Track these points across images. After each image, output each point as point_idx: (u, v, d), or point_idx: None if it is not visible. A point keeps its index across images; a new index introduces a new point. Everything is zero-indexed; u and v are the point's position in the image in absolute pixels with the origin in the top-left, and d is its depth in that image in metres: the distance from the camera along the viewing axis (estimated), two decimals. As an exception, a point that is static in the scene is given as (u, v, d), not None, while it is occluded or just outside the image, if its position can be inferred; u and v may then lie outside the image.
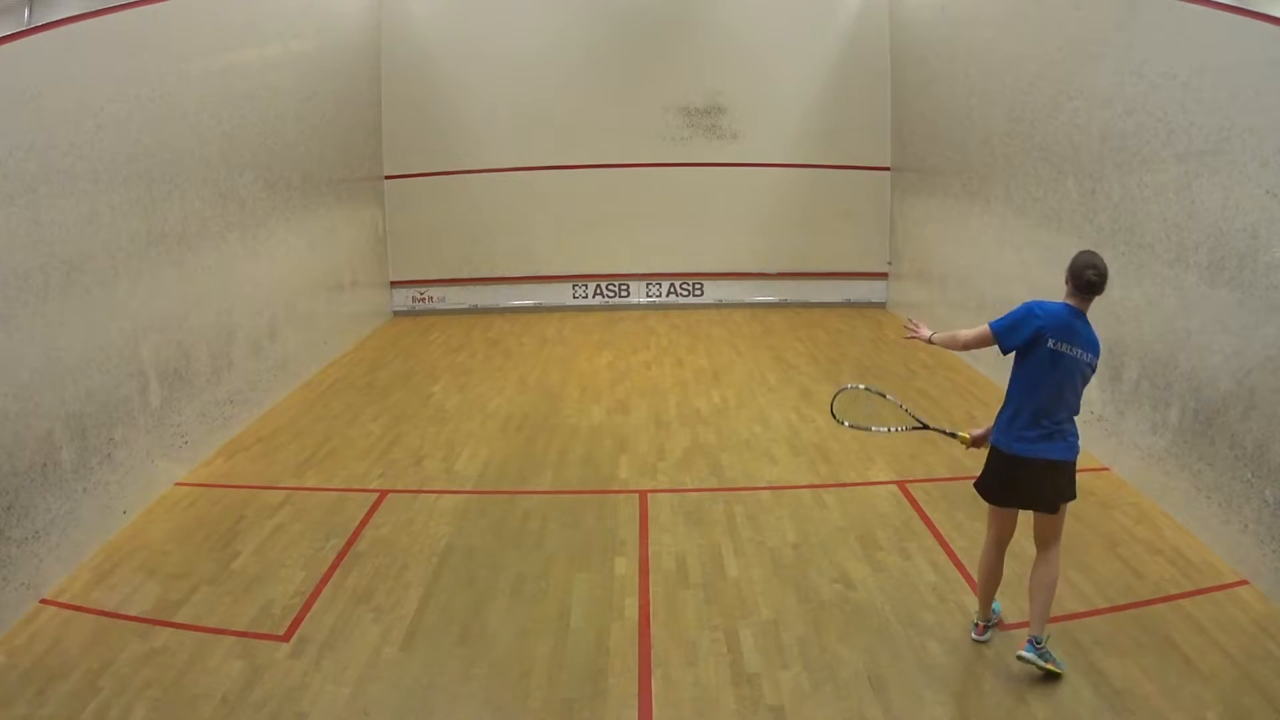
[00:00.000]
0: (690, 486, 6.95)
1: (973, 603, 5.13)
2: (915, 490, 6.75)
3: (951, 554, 5.72)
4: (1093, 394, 7.35)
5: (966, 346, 4.54)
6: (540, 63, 13.16)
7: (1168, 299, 6.30)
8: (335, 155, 11.16)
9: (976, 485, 4.61)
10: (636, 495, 6.78)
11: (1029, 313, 4.32)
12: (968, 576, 5.42)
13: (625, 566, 5.68)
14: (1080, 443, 4.43)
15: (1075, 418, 4.39)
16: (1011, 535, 4.61)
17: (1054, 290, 8.42)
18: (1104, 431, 7.17)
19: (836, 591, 5.32)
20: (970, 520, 6.20)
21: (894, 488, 6.82)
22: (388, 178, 13.29)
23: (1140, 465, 6.59)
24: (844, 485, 6.92)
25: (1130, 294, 6.78)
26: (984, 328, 4.42)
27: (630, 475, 7.21)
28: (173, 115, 7.19)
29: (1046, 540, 4.44)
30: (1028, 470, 4.35)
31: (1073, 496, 4.43)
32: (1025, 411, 4.34)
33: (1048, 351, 4.26)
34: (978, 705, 4.25)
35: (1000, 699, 4.29)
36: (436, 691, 4.45)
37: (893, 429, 5.26)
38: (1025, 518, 4.56)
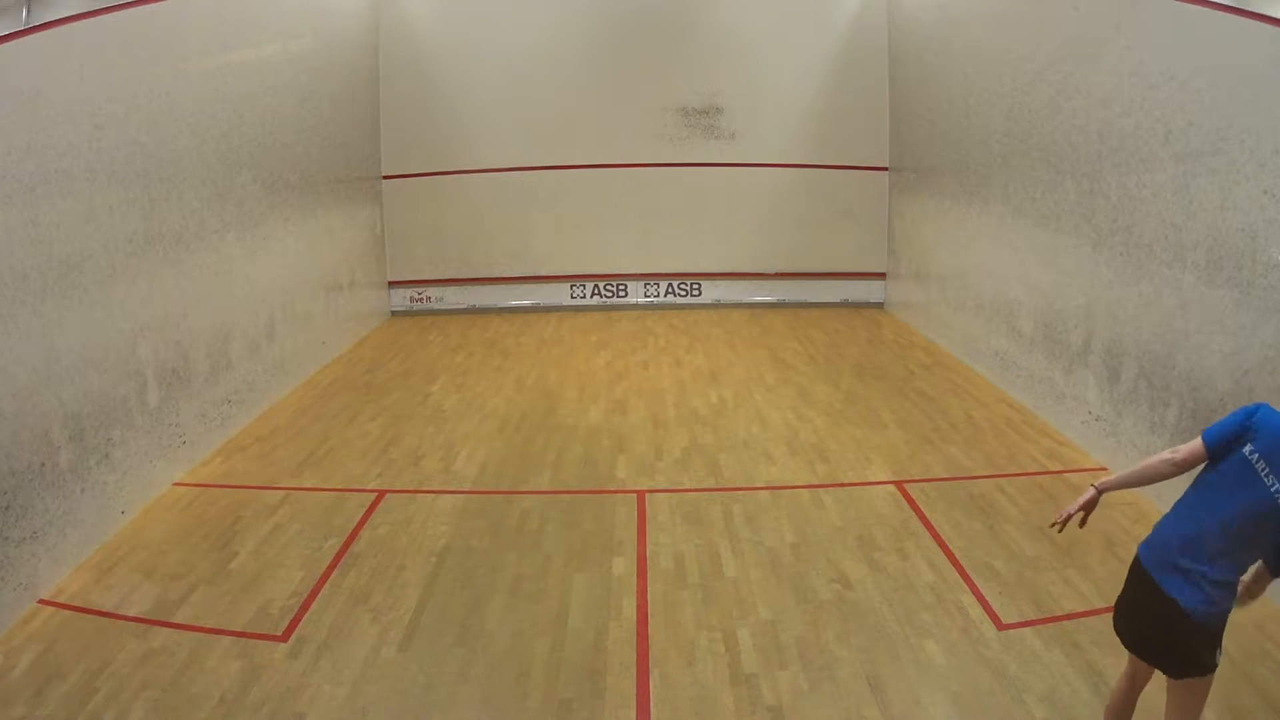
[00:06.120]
0: (688, 486, 6.95)
1: (971, 602, 5.14)
2: (913, 490, 6.75)
3: (949, 554, 5.73)
4: (1090, 394, 7.37)
5: (1176, 467, 3.34)
6: (538, 62, 13.15)
7: (1166, 299, 6.31)
8: (333, 155, 11.15)
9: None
10: (634, 495, 6.78)
11: (1248, 408, 3.25)
12: (965, 577, 5.43)
13: (623, 566, 5.68)
14: (1213, 608, 3.19)
15: (1231, 574, 3.19)
16: (1146, 678, 3.57)
17: (1051, 288, 8.44)
18: (1102, 431, 7.18)
19: (834, 591, 5.32)
20: (968, 520, 6.21)
21: (892, 488, 6.83)
22: (386, 178, 13.28)
23: (1138, 465, 6.59)
24: (842, 485, 6.92)
25: (1128, 294, 6.79)
26: (1195, 440, 3.32)
27: (628, 475, 7.21)
28: (171, 115, 7.18)
29: (1168, 716, 3.37)
30: (1150, 599, 3.30)
31: (1195, 671, 3.24)
32: (1185, 517, 3.31)
33: (1241, 461, 3.16)
34: (976, 705, 4.26)
35: (998, 699, 4.29)
36: (434, 692, 4.45)
37: None
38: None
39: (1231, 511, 3.14)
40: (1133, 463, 6.70)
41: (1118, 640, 4.69)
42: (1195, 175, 5.95)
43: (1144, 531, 5.85)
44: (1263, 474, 3.09)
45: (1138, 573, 3.38)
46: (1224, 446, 3.21)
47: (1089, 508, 3.42)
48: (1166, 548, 3.28)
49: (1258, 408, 3.21)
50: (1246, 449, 3.15)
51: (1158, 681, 3.54)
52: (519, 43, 13.10)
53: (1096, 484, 3.47)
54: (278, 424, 8.53)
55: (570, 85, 13.23)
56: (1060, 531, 3.55)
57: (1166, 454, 3.33)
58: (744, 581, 5.46)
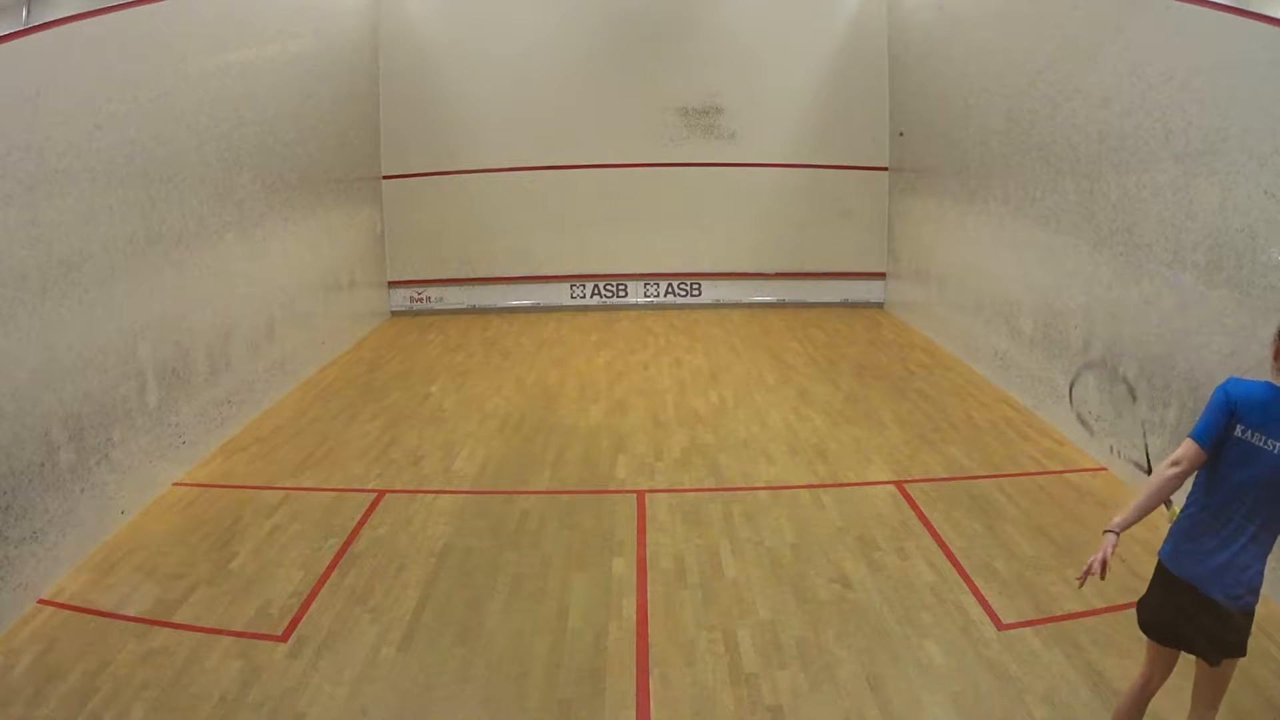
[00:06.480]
0: (688, 486, 6.95)
1: (971, 602, 5.14)
2: (913, 490, 6.75)
3: (949, 554, 5.73)
4: (1090, 394, 7.37)
5: (1181, 477, 3.30)
6: (538, 62, 13.17)
7: (1165, 299, 6.31)
8: (333, 155, 11.15)
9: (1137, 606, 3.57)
10: (634, 495, 6.78)
11: (1223, 393, 3.24)
12: (965, 576, 5.43)
13: (623, 567, 5.68)
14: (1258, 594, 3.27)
15: (1259, 557, 3.23)
16: (1162, 680, 3.55)
17: (1051, 288, 8.43)
18: (1102, 431, 7.17)
19: (834, 591, 5.32)
20: (968, 520, 6.21)
21: (892, 488, 6.83)
22: (386, 177, 13.29)
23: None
24: (842, 485, 6.92)
25: (1128, 294, 6.79)
26: (1186, 443, 3.29)
27: (628, 475, 7.21)
28: (171, 115, 7.18)
29: (1200, 698, 3.42)
30: (1181, 598, 3.33)
31: (1234, 653, 3.29)
32: (1203, 512, 3.28)
33: (1235, 442, 3.19)
34: (975, 705, 4.25)
35: (998, 699, 4.29)
36: (434, 691, 4.45)
37: None
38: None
39: (1244, 494, 3.16)
40: (1133, 464, 6.70)
41: (1118, 640, 4.71)
42: (1195, 175, 5.95)
43: (1145, 533, 5.86)
44: (1261, 444, 3.13)
45: (1166, 578, 3.38)
46: (1219, 441, 3.21)
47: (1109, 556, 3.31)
48: (1191, 547, 3.28)
49: (1226, 390, 3.22)
50: (1237, 430, 3.17)
51: (1165, 690, 3.55)
52: (519, 43, 13.11)
53: (1113, 528, 3.31)
54: (278, 424, 8.53)
55: (570, 85, 13.23)
56: (1081, 587, 3.50)
57: (1169, 470, 3.27)
58: (744, 581, 5.45)
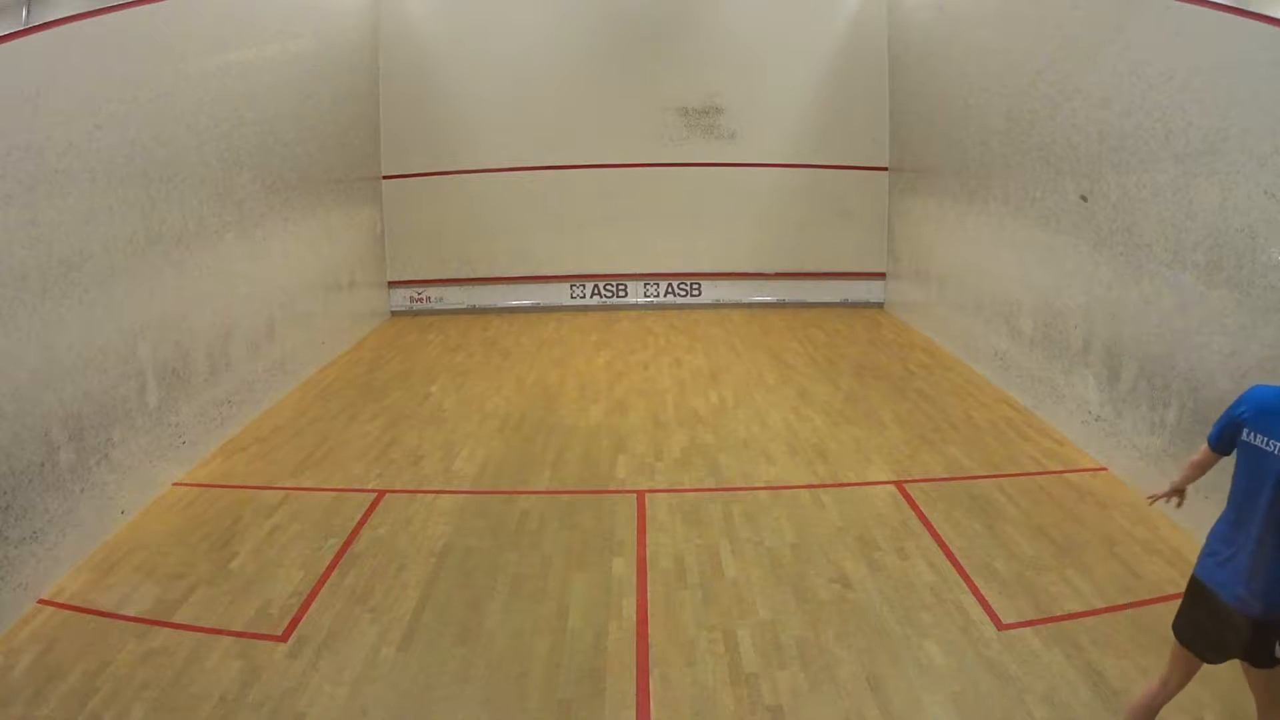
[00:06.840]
0: (688, 486, 6.95)
1: (971, 602, 5.14)
2: (913, 490, 6.75)
3: (949, 554, 5.73)
4: (1090, 394, 7.38)
5: (1197, 466, 3.55)
6: (538, 63, 13.16)
7: (1165, 299, 6.31)
8: (333, 155, 11.15)
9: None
10: (634, 495, 6.78)
11: (1235, 404, 3.34)
12: (965, 576, 5.43)
13: (623, 567, 5.68)
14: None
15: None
16: (1180, 685, 3.54)
17: (1050, 288, 8.43)
18: (1102, 431, 7.18)
19: (834, 592, 5.32)
20: (968, 520, 6.21)
21: (892, 488, 6.83)
22: (386, 177, 13.28)
23: (1138, 465, 6.60)
24: (842, 485, 6.92)
25: (1128, 294, 6.79)
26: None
27: (628, 475, 7.21)
28: (171, 115, 7.18)
29: (1257, 704, 3.42)
30: (1201, 602, 3.37)
31: (1229, 656, 3.36)
32: (1226, 520, 3.33)
33: (1242, 445, 3.27)
34: (975, 705, 4.26)
35: (998, 699, 4.29)
36: (434, 691, 4.45)
37: None
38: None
39: (1255, 497, 3.18)
40: (1133, 464, 6.75)
41: (1118, 640, 4.70)
42: (1195, 175, 5.95)
43: (1145, 533, 5.89)
44: (1264, 445, 3.16)
45: (1194, 585, 3.41)
46: (1227, 442, 3.33)
47: (1180, 495, 3.72)
48: (1216, 550, 3.32)
49: (1242, 395, 3.33)
50: (1244, 434, 3.24)
51: (1147, 681, 3.55)
52: (519, 43, 13.11)
53: (1174, 483, 3.72)
54: (278, 424, 8.53)
55: (570, 85, 13.23)
56: (1170, 503, 3.79)
57: (1194, 458, 3.56)
58: (744, 581, 5.45)
